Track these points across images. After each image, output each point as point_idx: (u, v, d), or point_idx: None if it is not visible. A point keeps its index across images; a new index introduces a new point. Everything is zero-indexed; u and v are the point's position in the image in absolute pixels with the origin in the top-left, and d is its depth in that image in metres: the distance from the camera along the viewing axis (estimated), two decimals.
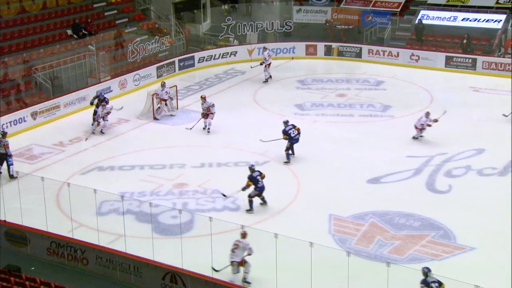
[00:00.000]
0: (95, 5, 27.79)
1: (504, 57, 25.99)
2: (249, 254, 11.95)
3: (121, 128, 20.52)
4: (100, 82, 23.47)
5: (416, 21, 28.48)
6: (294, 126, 17.51)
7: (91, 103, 20.80)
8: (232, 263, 11.85)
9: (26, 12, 25.09)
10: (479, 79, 25.36)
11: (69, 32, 25.57)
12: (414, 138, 18.71)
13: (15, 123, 20.14)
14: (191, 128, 20.13)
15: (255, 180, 14.74)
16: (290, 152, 17.72)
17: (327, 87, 24.81)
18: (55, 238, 13.17)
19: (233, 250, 11.90)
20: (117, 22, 27.77)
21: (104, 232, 13.39)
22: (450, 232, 13.97)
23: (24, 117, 20.52)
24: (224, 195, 15.33)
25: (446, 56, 26.73)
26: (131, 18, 28.58)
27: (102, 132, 19.94)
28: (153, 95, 21.48)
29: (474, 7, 28.32)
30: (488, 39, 27.18)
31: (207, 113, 19.89)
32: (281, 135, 17.68)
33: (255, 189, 14.78)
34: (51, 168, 17.65)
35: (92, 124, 19.97)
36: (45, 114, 21.19)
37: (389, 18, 29.39)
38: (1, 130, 17.65)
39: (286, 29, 29.68)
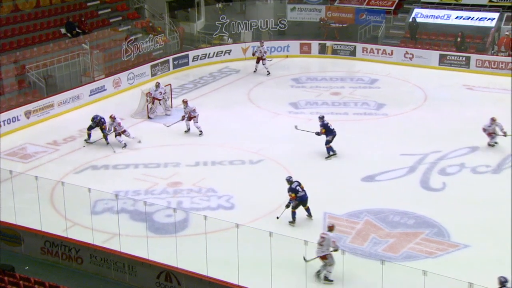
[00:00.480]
0: (88, 4, 27.68)
1: (497, 55, 26.08)
2: (335, 250, 11.80)
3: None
4: (94, 81, 23.41)
5: (410, 20, 28.53)
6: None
7: (89, 129, 19.13)
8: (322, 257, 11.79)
9: (19, 11, 24.98)
10: (473, 77, 25.44)
11: (63, 30, 25.47)
12: (489, 145, 18.38)
13: (9, 122, 20.07)
14: (168, 126, 19.99)
15: (295, 191, 14.21)
16: (331, 147, 17.66)
17: (322, 85, 24.83)
18: (49, 237, 13.14)
19: (320, 244, 11.88)
20: (111, 20, 27.69)
21: (99, 231, 13.35)
22: (444, 229, 14.01)
23: (17, 116, 20.45)
24: (277, 218, 14.37)
25: (440, 54, 26.80)
26: (125, 17, 28.50)
27: (125, 146, 18.73)
28: (147, 93, 21.44)
29: (468, 5, 28.38)
30: (482, 37, 27.27)
31: (190, 117, 19.64)
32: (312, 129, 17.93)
33: (295, 199, 14.20)
34: (45, 167, 17.60)
35: (108, 143, 18.73)
36: (39, 113, 21.12)
37: (383, 17, 29.43)
38: None
39: (280, 27, 29.67)
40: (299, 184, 14.38)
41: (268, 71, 25.76)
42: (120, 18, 28.24)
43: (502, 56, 25.88)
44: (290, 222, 14.29)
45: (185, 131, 19.86)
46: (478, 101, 23.13)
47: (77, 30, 25.62)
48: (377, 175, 16.82)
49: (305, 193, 14.31)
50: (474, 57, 26.15)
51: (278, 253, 11.47)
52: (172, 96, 22.52)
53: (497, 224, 14.34)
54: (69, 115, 21.83)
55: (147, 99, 21.34)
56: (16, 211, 13.66)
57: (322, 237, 11.98)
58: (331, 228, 12.21)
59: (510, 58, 25.54)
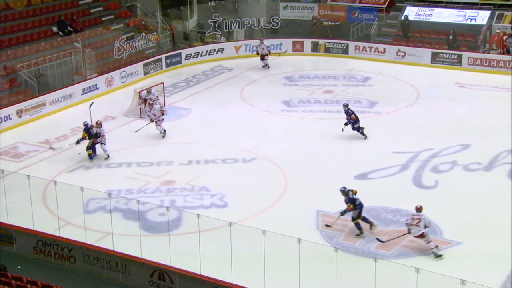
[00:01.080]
0: (80, 2, 27.60)
1: (489, 52, 26.19)
2: (426, 227, 12.80)
3: (107, 125, 20.37)
4: (86, 80, 23.34)
5: (402, 18, 28.61)
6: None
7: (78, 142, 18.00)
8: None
9: (10, 9, 24.86)
10: (465, 75, 25.53)
11: (55, 29, 25.39)
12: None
13: (1, 121, 19.99)
14: (136, 131, 19.03)
15: (353, 200, 13.76)
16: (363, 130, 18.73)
17: (314, 83, 24.86)
18: (41, 237, 13.10)
19: (416, 224, 12.79)
20: (103, 19, 27.61)
21: (91, 230, 13.32)
22: (436, 227, 14.06)
23: (9, 115, 20.36)
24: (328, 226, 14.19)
25: (432, 52, 26.88)
26: (117, 15, 28.42)
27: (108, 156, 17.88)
28: (140, 92, 21.40)
29: (459, 3, 28.50)
30: (473, 35, 27.38)
31: (156, 120, 19.12)
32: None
33: (355, 208, 13.76)
34: (37, 166, 17.53)
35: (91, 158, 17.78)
36: (30, 112, 21.04)
37: (376, 15, 29.49)
38: None
39: (273, 25, 29.66)
40: (353, 192, 13.89)
41: (267, 66, 26.36)
42: (112, 16, 28.17)
43: (493, 53, 25.99)
44: (357, 235, 13.74)
45: (163, 136, 19.25)
46: (470, 98, 23.22)
47: (69, 28, 25.54)
48: (370, 173, 16.86)
49: (360, 200, 13.79)
50: (466, 55, 26.25)
51: (271, 251, 11.48)
52: (165, 94, 22.48)
53: (489, 221, 14.42)
54: (61, 114, 21.77)
55: (139, 100, 21.27)
56: (8, 211, 13.61)
57: (417, 219, 12.90)
58: (420, 209, 13.12)
59: (501, 56, 25.67)
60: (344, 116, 19.00)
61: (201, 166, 17.48)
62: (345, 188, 13.93)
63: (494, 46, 26.27)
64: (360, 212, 13.83)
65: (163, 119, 19.26)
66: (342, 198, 15.36)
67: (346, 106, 18.98)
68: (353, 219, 13.88)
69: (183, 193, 15.89)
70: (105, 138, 17.79)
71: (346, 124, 18.83)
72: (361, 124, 18.88)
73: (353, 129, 18.92)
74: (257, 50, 26.60)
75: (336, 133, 19.70)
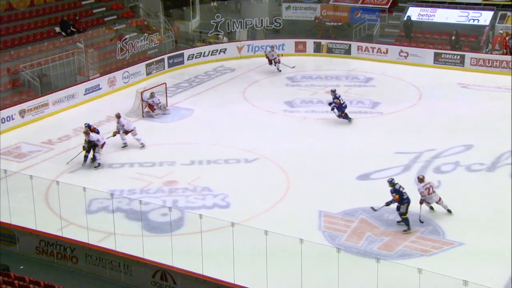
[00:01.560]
0: (83, 2, 27.64)
1: (491, 53, 26.15)
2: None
3: (109, 126, 20.42)
4: (89, 80, 23.36)
5: (405, 18, 28.59)
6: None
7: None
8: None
9: (13, 9, 24.91)
10: (467, 75, 25.50)
11: (57, 29, 25.42)
12: None
13: (3, 121, 20.02)
14: (67, 162, 17.52)
15: (400, 192, 13.87)
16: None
17: (317, 84, 24.85)
18: (44, 237, 13.11)
19: (433, 191, 14.14)
20: (105, 19, 27.64)
21: (94, 230, 13.33)
22: (439, 227, 14.05)
23: (12, 115, 20.39)
24: (373, 209, 14.37)
25: (434, 52, 26.86)
26: (119, 16, 28.45)
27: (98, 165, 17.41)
28: (142, 92, 21.41)
29: (462, 4, 28.48)
30: (476, 35, 27.35)
31: (126, 131, 18.34)
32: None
33: (403, 202, 13.83)
34: (40, 166, 17.55)
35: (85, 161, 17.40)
36: (33, 112, 21.07)
37: (378, 15, 29.47)
38: None
39: (275, 26, 29.66)
40: (401, 186, 14.06)
41: (279, 70, 26.03)
42: (115, 16, 28.20)
43: (496, 54, 25.96)
44: (405, 230, 13.84)
45: (122, 147, 18.41)
46: (472, 99, 23.20)
47: (71, 29, 25.58)
48: (372, 174, 16.84)
49: (408, 195, 13.93)
50: (468, 55, 26.22)
51: (273, 252, 11.49)
52: (168, 95, 22.50)
53: (492, 222, 14.39)
54: (63, 114, 21.79)
55: (142, 104, 21.28)
56: (11, 211, 13.63)
57: (430, 186, 14.14)
58: (423, 179, 14.33)
59: (504, 56, 25.64)
60: (330, 116, 19.00)
61: (203, 167, 17.48)
62: (392, 179, 14.24)
63: (497, 47, 26.24)
64: (408, 207, 13.92)
65: (132, 130, 18.39)
66: (344, 199, 15.45)
67: (333, 91, 20.35)
68: (402, 214, 13.95)
69: (185, 194, 15.89)
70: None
71: (331, 106, 20.17)
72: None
73: (341, 115, 20.09)
74: (266, 54, 26.12)
75: (339, 134, 19.70)
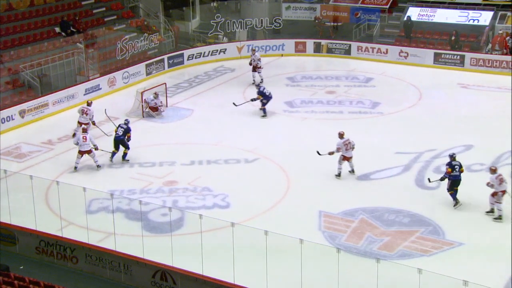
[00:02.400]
0: (83, 3, 27.64)
1: (492, 53, 26.15)
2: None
3: (110, 126, 20.42)
4: (88, 80, 23.37)
5: (405, 18, 28.59)
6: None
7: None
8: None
9: (13, 10, 24.91)
10: (467, 75, 25.50)
11: (57, 29, 25.42)
12: None
13: (3, 121, 20.02)
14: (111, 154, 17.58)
15: (453, 167, 14.84)
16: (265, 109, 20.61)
17: (317, 84, 24.85)
18: (44, 237, 13.11)
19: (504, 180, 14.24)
20: (105, 19, 27.64)
21: (94, 231, 13.34)
22: (439, 228, 14.05)
23: (12, 115, 20.39)
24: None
25: (434, 52, 26.86)
26: (119, 16, 28.45)
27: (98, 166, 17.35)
28: (142, 92, 21.42)
29: (462, 4, 28.48)
30: (476, 35, 27.35)
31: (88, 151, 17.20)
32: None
33: (450, 174, 14.82)
34: (40, 166, 17.55)
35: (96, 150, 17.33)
36: (33, 112, 21.07)
37: (378, 15, 29.47)
38: None
39: (275, 26, 29.64)
40: (461, 166, 14.87)
41: (261, 79, 24.28)
42: (115, 17, 28.20)
43: (496, 54, 25.96)
44: (454, 205, 14.83)
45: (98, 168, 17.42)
46: (472, 99, 23.20)
47: (71, 29, 25.57)
48: (372, 174, 16.84)
49: (460, 175, 14.83)
50: (468, 55, 26.22)
51: (273, 252, 11.48)
52: (167, 95, 22.50)
53: (491, 222, 14.38)
54: (63, 114, 21.77)
55: (142, 104, 21.27)
56: (11, 211, 13.63)
57: (502, 178, 14.29)
58: (495, 170, 14.48)
59: (504, 56, 25.64)
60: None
61: (203, 167, 17.48)
62: (453, 154, 15.12)
63: (496, 47, 26.24)
64: (452, 184, 14.82)
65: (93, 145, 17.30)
66: (344, 199, 15.47)
67: (258, 86, 21.51)
68: (444, 179, 15.05)
69: (185, 194, 15.89)
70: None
71: (253, 100, 21.01)
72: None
73: (263, 105, 20.82)
74: (250, 61, 24.58)
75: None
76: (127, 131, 17.67)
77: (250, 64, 24.52)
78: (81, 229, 13.44)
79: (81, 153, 17.07)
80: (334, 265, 11.06)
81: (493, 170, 14.55)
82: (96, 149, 17.26)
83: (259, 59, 24.36)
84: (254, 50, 25.13)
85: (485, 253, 13.15)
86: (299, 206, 15.18)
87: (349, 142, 16.50)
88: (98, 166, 17.25)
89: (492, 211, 14.52)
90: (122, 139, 17.56)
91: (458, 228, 14.11)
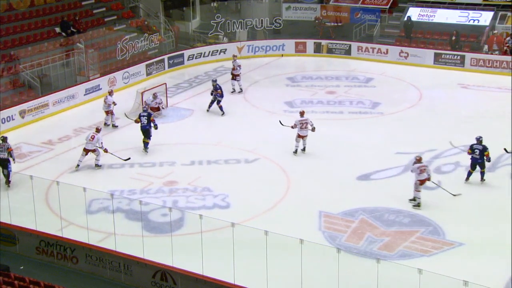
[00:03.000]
0: (83, 3, 27.64)
1: (492, 53, 26.13)
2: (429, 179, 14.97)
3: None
4: (89, 80, 23.37)
5: (405, 18, 28.59)
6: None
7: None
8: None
9: (13, 10, 24.91)
10: (468, 75, 25.50)
11: (57, 29, 25.42)
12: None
13: (3, 121, 20.02)
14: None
15: (473, 150, 15.82)
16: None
17: (317, 84, 24.85)
18: (44, 237, 13.11)
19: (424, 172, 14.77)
20: (105, 19, 27.64)
21: (94, 231, 13.34)
22: (439, 228, 14.05)
23: (12, 115, 20.39)
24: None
25: (434, 53, 26.86)
26: (120, 16, 28.45)
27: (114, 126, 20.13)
28: (142, 92, 21.41)
29: (462, 4, 28.49)
30: (476, 36, 27.35)
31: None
32: None
33: (470, 155, 15.90)
34: (40, 166, 17.55)
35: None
36: (33, 113, 21.07)
37: (378, 15, 29.48)
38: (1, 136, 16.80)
39: (275, 26, 29.66)
40: (484, 150, 15.77)
41: (241, 89, 23.49)
42: (115, 17, 28.20)
43: (496, 54, 25.96)
44: (465, 179, 16.11)
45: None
46: (473, 99, 23.20)
47: (71, 29, 25.57)
48: (372, 174, 16.85)
49: (480, 157, 15.80)
50: (468, 55, 26.22)
51: (273, 252, 11.48)
52: (168, 95, 22.50)
53: (491, 222, 14.39)
54: (64, 115, 21.79)
55: (143, 106, 21.25)
56: (11, 211, 13.63)
57: (424, 168, 14.83)
58: (419, 160, 15.03)
59: (504, 56, 25.64)
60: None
61: (203, 167, 17.48)
62: (480, 137, 16.04)
63: (494, 47, 26.25)
64: (470, 164, 15.92)
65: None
66: (345, 199, 15.49)
67: (214, 81, 21.33)
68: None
69: (185, 194, 15.89)
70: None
71: (213, 100, 21.14)
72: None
73: (218, 103, 21.02)
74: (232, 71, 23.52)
75: (339, 134, 19.69)
76: (149, 116, 18.31)
77: (232, 73, 23.48)
78: (81, 229, 13.44)
79: (86, 151, 17.13)
80: (334, 265, 11.06)
81: (418, 160, 15.04)
82: (106, 151, 17.24)
83: (239, 66, 23.56)
84: (235, 56, 24.42)
85: (485, 253, 13.15)
86: (299, 206, 15.19)
87: (306, 122, 17.57)
88: (97, 165, 17.26)
89: (414, 199, 15.05)
90: (148, 129, 18.20)
91: (458, 228, 14.11)
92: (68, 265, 12.94)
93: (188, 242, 12.96)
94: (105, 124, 20.14)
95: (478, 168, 16.06)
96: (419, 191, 14.96)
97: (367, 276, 11.22)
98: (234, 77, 23.52)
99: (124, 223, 14.19)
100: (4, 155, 16.05)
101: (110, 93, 20.46)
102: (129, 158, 17.65)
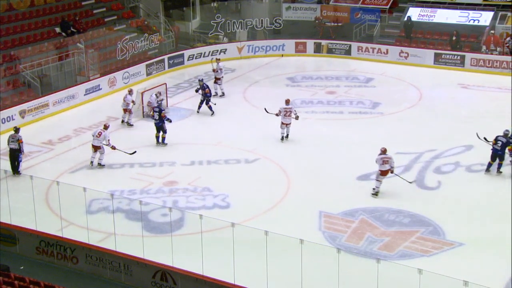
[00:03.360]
0: (83, 3, 27.63)
1: (492, 53, 26.13)
2: (391, 171, 15.34)
3: (110, 126, 20.42)
4: (89, 80, 23.37)
5: (405, 18, 28.59)
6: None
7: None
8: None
9: (13, 10, 24.91)
10: (468, 75, 25.50)
11: (58, 30, 25.42)
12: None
13: (3, 121, 20.02)
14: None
15: (496, 141, 16.29)
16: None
17: (317, 84, 24.85)
18: (44, 237, 13.11)
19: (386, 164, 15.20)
20: (105, 19, 27.64)
21: (94, 231, 13.34)
22: (439, 228, 14.05)
23: (12, 115, 20.39)
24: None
25: (434, 53, 26.86)
26: (120, 16, 28.45)
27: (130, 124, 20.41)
28: (142, 92, 21.41)
29: (462, 4, 28.48)
30: (476, 36, 27.35)
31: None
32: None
33: (492, 147, 16.32)
34: (40, 166, 17.55)
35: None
36: (33, 113, 21.07)
37: (378, 15, 29.46)
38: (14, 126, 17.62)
39: (275, 26, 29.65)
40: (507, 144, 16.23)
41: (222, 93, 23.17)
42: (115, 17, 28.20)
43: (496, 54, 25.97)
44: (485, 171, 16.52)
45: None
46: (473, 99, 23.20)
47: (72, 29, 25.57)
48: (372, 174, 16.76)
49: (501, 149, 16.25)
50: (469, 55, 26.22)
51: (273, 252, 11.48)
52: (168, 95, 22.50)
53: (492, 222, 14.39)
54: (64, 115, 21.79)
55: (142, 98, 21.28)
56: (11, 211, 13.63)
57: (386, 160, 15.24)
58: (384, 151, 15.34)
59: (504, 56, 25.64)
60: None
61: (203, 167, 17.48)
62: (507, 130, 16.58)
63: (492, 47, 26.26)
64: (491, 155, 16.41)
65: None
66: (345, 199, 15.49)
67: (201, 81, 21.36)
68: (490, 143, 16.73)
69: (185, 194, 15.89)
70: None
71: (202, 100, 21.22)
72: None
73: (206, 103, 21.08)
74: (215, 69, 23.07)
75: (339, 134, 19.69)
76: (160, 111, 18.53)
77: (214, 72, 23.08)
78: (81, 229, 13.44)
79: (94, 147, 17.36)
80: (334, 265, 11.06)
81: (382, 151, 15.43)
82: (113, 148, 17.41)
83: (220, 69, 23.15)
84: (218, 59, 23.76)
85: (485, 253, 13.15)
86: (299, 206, 15.19)
87: (290, 110, 18.41)
88: (100, 164, 17.31)
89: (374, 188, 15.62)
90: (161, 125, 18.53)
91: (458, 228, 14.11)
92: (68, 265, 12.94)
93: (188, 242, 12.96)
94: (122, 121, 20.52)
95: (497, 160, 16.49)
96: (379, 181, 15.42)
97: (367, 276, 11.22)
98: (216, 80, 23.18)
99: (124, 223, 14.19)
100: (15, 145, 16.61)
101: (130, 92, 20.71)
102: (135, 152, 17.77)
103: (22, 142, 16.70)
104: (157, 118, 18.53)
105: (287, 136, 18.84)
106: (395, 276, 11.45)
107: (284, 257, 11.96)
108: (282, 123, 18.67)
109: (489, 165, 16.55)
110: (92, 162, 17.41)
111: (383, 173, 15.37)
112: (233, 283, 11.54)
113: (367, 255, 12.95)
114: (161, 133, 18.69)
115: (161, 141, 18.72)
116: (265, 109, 19.58)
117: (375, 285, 10.79)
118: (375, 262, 10.76)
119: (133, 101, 20.65)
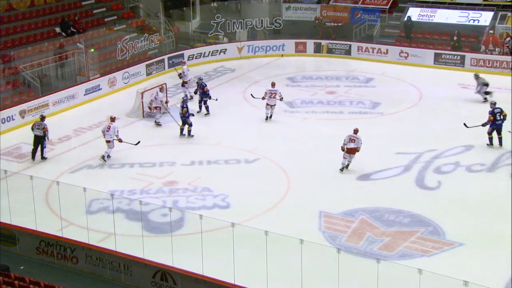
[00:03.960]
0: (83, 3, 27.64)
1: (491, 53, 26.13)
2: (357, 150, 16.38)
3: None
4: (89, 80, 23.37)
5: (405, 18, 28.59)
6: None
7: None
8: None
9: (13, 10, 24.91)
10: (468, 75, 25.44)
11: (58, 30, 25.42)
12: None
13: (3, 121, 20.03)
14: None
15: (494, 115, 16.72)
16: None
17: (317, 84, 24.85)
18: (44, 237, 13.11)
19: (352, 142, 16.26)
20: (105, 20, 27.64)
21: (94, 231, 13.33)
22: (439, 228, 14.05)
23: (12, 115, 20.40)
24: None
25: (434, 53, 26.86)
26: (120, 16, 28.46)
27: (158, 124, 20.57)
28: (142, 92, 21.42)
29: (462, 4, 28.48)
30: (476, 36, 27.35)
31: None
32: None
33: (491, 125, 16.79)
34: (40, 166, 17.55)
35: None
36: (33, 113, 21.06)
37: (378, 15, 29.46)
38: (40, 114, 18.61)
39: (275, 26, 29.66)
40: (501, 112, 17.01)
41: (191, 96, 22.53)
42: (115, 17, 28.20)
43: (495, 54, 25.97)
44: (488, 144, 17.26)
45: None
46: (473, 99, 23.18)
47: (72, 29, 25.57)
48: (373, 174, 16.84)
49: (501, 123, 16.92)
50: (468, 55, 26.23)
51: (273, 252, 11.48)
52: (168, 95, 22.48)
53: (492, 222, 14.39)
54: (64, 115, 21.79)
55: (142, 98, 21.27)
56: (11, 211, 13.63)
57: (353, 139, 16.31)
58: (356, 131, 16.44)
59: (504, 56, 25.65)
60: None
61: (203, 167, 17.48)
62: (495, 102, 17.50)
63: (490, 47, 26.26)
64: (493, 130, 17.22)
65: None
66: (345, 199, 15.51)
67: (200, 79, 21.53)
68: (485, 126, 17.36)
69: (185, 194, 15.89)
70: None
71: (200, 100, 21.28)
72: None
73: (204, 102, 21.21)
74: (180, 73, 22.67)
75: (339, 134, 19.65)
76: (182, 107, 19.10)
77: (180, 77, 22.62)
78: (81, 229, 13.44)
79: (107, 142, 17.61)
80: (334, 265, 11.06)
81: (354, 131, 16.44)
82: (120, 141, 17.63)
83: (188, 70, 22.66)
84: (184, 62, 23.62)
85: (485, 253, 13.15)
86: (299, 206, 15.18)
87: (275, 92, 20.07)
88: (103, 157, 17.46)
89: (346, 167, 16.62)
90: (184, 119, 19.16)
91: (459, 228, 14.10)
92: (68, 265, 12.94)
93: (188, 242, 12.96)
94: (155, 122, 20.66)
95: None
96: (345, 158, 16.59)
97: (367, 276, 11.22)
98: (183, 84, 22.65)
99: (124, 223, 14.19)
100: (40, 132, 17.50)
101: (161, 89, 21.07)
102: (139, 142, 18.03)
103: (47, 130, 17.51)
104: (183, 112, 19.00)
105: (270, 117, 20.33)
106: (395, 276, 11.45)
107: (284, 257, 11.96)
108: (267, 104, 20.17)
109: (491, 139, 17.26)
110: (109, 156, 17.64)
111: (349, 150, 16.43)
112: (233, 283, 11.53)
113: (367, 255, 12.95)
114: (186, 126, 19.21)
115: (186, 133, 19.26)
116: (251, 94, 21.13)
117: (375, 285, 10.79)
118: (375, 262, 10.75)
119: (166, 101, 21.16)
